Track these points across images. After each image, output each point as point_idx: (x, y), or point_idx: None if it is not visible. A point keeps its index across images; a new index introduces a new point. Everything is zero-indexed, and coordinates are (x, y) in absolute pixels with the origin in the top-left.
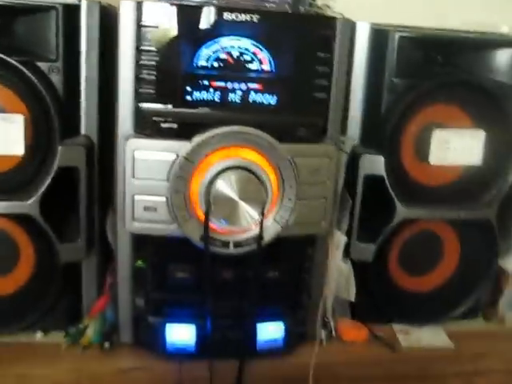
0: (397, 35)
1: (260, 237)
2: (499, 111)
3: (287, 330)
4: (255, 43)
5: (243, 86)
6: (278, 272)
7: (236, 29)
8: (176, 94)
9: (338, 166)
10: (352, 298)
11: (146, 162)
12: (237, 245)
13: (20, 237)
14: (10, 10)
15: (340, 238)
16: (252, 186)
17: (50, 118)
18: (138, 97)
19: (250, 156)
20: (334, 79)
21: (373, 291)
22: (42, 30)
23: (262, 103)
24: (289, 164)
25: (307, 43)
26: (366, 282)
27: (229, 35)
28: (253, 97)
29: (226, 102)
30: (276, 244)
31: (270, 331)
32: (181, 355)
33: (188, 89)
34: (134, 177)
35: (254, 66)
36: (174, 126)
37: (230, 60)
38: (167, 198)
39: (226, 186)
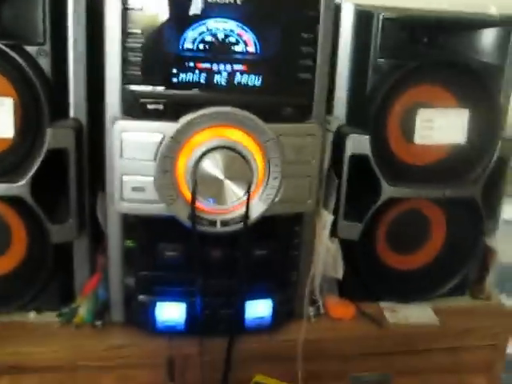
0: (381, 16)
1: (246, 215)
2: (484, 91)
3: (275, 308)
4: (240, 25)
5: (229, 68)
6: (266, 250)
7: (221, 11)
8: (162, 75)
9: (323, 145)
10: (340, 275)
11: (134, 143)
12: (224, 223)
13: (12, 219)
14: None
15: (327, 217)
16: (237, 165)
17: (38, 100)
18: (125, 79)
19: (236, 136)
20: (319, 60)
21: (360, 269)
22: (30, 14)
23: (248, 84)
24: (274, 143)
25: (291, 24)
26: (353, 260)
27: (214, 17)
28: (238, 78)
29: (211, 83)
30: (263, 222)
31: (258, 308)
32: (171, 333)
33: (174, 71)
34: (121, 158)
35: (239, 47)
36: (161, 107)
37: (216, 42)
38: (155, 178)
39: (211, 166)
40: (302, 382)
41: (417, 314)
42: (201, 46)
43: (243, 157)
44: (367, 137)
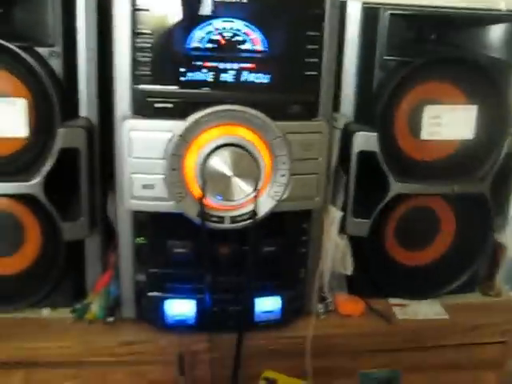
0: (387, 13)
1: (254, 212)
2: (492, 87)
3: (284, 304)
4: (247, 24)
5: (236, 66)
6: (275, 247)
7: (228, 10)
8: (171, 75)
9: (330, 142)
10: (349, 272)
11: (143, 142)
12: (232, 220)
13: (26, 217)
14: None
15: (335, 214)
16: (245, 162)
17: (50, 101)
18: (134, 79)
19: (243, 133)
20: (325, 57)
21: (369, 266)
22: (41, 16)
23: (255, 82)
24: (281, 141)
25: (297, 22)
26: (362, 256)
27: (221, 17)
28: (245, 76)
29: (219, 81)
30: (272, 219)
31: (268, 305)
32: (181, 328)
33: (182, 70)
34: (131, 156)
35: (246, 46)
36: (169, 106)
37: (223, 41)
38: (164, 176)
39: (219, 163)
40: (310, 378)
41: (426, 311)
42: (208, 45)
43: (250, 154)
44: (375, 134)
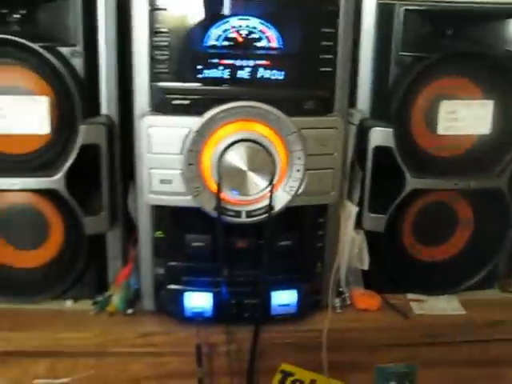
0: (402, 9)
1: (270, 206)
2: (510, 81)
3: (300, 298)
4: (263, 22)
5: (252, 63)
6: (291, 241)
7: (244, 8)
8: (188, 72)
9: (346, 137)
10: (365, 266)
11: (161, 138)
12: (249, 214)
13: (49, 212)
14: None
15: (351, 209)
16: (260, 157)
17: (72, 99)
18: (153, 76)
19: (259, 129)
20: (340, 53)
21: (385, 261)
22: (63, 17)
23: (270, 78)
24: (296, 136)
25: (312, 19)
26: (378, 252)
27: (237, 15)
28: (261, 73)
29: (235, 78)
30: (288, 214)
31: (284, 298)
32: (199, 321)
33: (199, 67)
34: (150, 152)
35: (262, 43)
36: (187, 102)
37: (239, 39)
38: (181, 171)
39: (235, 158)
40: (327, 372)
41: (443, 306)
42: (225, 43)
43: (266, 149)
44: (391, 129)
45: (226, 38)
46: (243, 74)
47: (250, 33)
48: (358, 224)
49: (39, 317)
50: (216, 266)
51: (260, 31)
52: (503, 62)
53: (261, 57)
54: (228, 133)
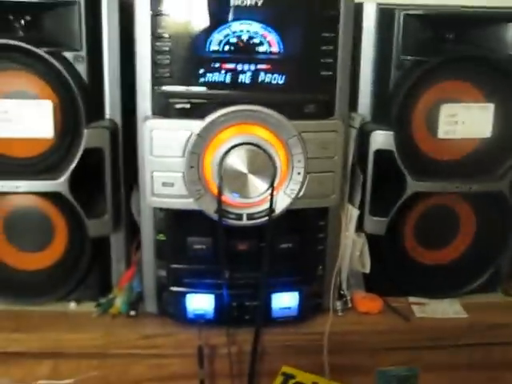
0: (402, 13)
1: (271, 209)
2: (511, 85)
3: (301, 301)
4: (264, 26)
5: (253, 67)
6: (292, 243)
7: (245, 13)
8: (190, 76)
9: (346, 141)
10: (367, 270)
11: (163, 141)
12: (250, 217)
13: (54, 214)
14: (38, 5)
15: (352, 212)
16: (261, 160)
17: (76, 103)
18: (155, 80)
19: (260, 133)
20: (340, 58)
21: (387, 264)
22: (67, 23)
23: (271, 83)
24: (297, 140)
25: (312, 24)
26: (380, 255)
27: (239, 20)
28: (262, 77)
29: (237, 82)
30: (289, 216)
31: (285, 301)
32: (201, 323)
33: (201, 71)
34: (152, 155)
35: (263, 48)
36: (188, 106)
37: (241, 43)
38: (183, 174)
39: (236, 161)
40: (328, 375)
41: (445, 309)
42: (226, 48)
43: (266, 153)
44: (391, 133)
45: (228, 43)
46: (244, 78)
47: (252, 37)
48: (360, 227)
49: (43, 318)
50: (217, 268)
51: (261, 36)
52: (504, 66)
53: (262, 61)
54: (229, 136)
